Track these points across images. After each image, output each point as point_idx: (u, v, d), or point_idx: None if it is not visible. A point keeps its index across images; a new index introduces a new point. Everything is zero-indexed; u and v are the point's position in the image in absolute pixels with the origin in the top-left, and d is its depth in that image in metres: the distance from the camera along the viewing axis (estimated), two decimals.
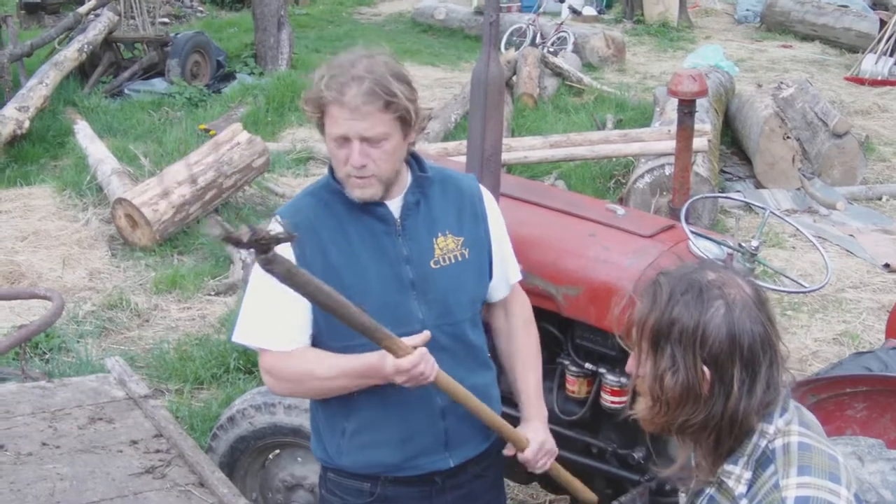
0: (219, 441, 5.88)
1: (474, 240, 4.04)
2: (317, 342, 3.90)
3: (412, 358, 3.61)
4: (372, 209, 3.85)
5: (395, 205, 3.89)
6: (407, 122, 3.77)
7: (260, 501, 5.92)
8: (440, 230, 3.96)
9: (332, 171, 3.90)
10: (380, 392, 3.85)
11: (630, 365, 2.93)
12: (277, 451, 5.81)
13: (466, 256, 4.00)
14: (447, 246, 3.96)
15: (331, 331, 3.84)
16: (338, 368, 3.78)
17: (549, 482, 5.78)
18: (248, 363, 7.99)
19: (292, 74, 17.36)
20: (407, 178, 3.94)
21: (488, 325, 4.41)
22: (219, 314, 9.14)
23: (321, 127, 3.79)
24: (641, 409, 2.89)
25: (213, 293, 9.68)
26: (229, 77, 18.27)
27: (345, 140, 3.70)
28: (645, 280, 3.01)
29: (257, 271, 3.87)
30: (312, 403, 4.14)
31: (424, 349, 3.66)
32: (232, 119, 14.66)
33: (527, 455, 4.19)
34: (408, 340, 3.64)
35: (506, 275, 4.26)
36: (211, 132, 13.48)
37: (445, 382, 3.78)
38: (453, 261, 3.96)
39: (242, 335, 3.94)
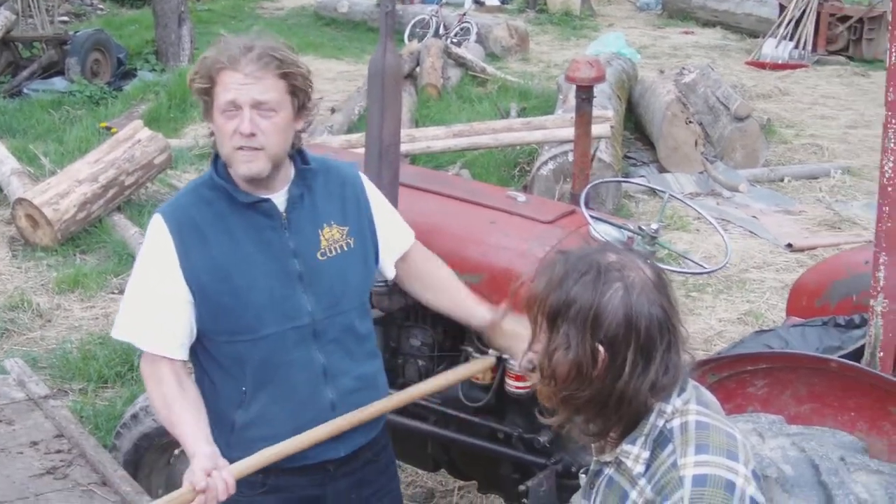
0: (123, 439, 5.81)
1: (359, 228, 4.03)
2: (203, 337, 3.86)
3: (203, 477, 3.51)
4: (256, 205, 3.81)
5: (279, 198, 3.86)
6: (298, 96, 3.76)
7: None
8: (325, 221, 3.94)
9: (215, 164, 3.85)
10: (270, 387, 3.84)
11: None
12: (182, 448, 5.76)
13: (352, 245, 3.99)
14: (333, 237, 3.93)
15: (216, 326, 3.82)
16: (176, 426, 3.74)
17: (456, 469, 5.79)
18: None
19: None
20: (290, 171, 3.91)
21: (407, 292, 4.46)
22: None
23: (207, 104, 3.73)
24: (535, 381, 2.89)
25: (116, 292, 9.55)
26: (130, 74, 18.13)
27: (234, 108, 3.65)
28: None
29: (140, 262, 3.86)
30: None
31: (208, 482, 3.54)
32: (134, 116, 14.50)
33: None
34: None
35: (401, 243, 4.30)
36: (113, 130, 13.33)
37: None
38: (339, 251, 3.94)
39: (123, 330, 3.89)
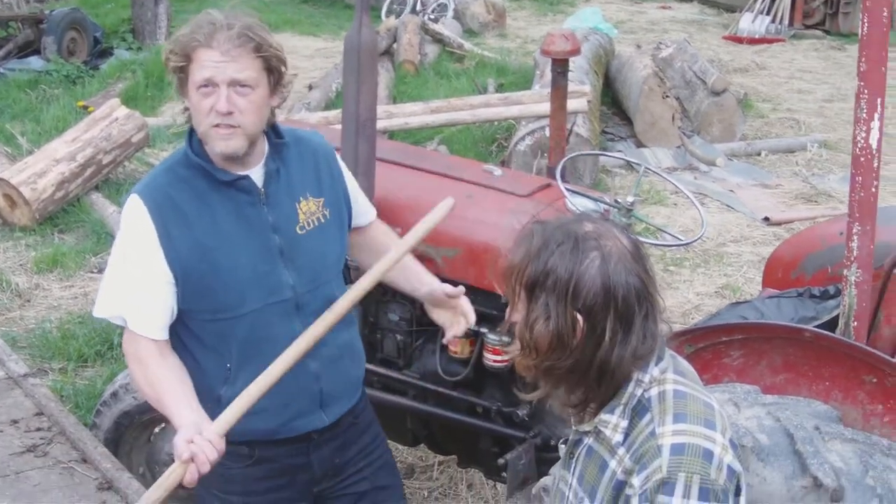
0: (103, 417, 5.83)
1: (334, 199, 4.05)
2: (186, 316, 3.86)
3: (186, 446, 3.50)
4: (235, 182, 3.81)
5: (256, 174, 3.86)
6: (273, 73, 3.75)
7: (148, 476, 5.86)
8: (301, 194, 3.95)
9: (189, 141, 3.84)
10: (255, 362, 3.82)
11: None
12: (163, 424, 5.76)
13: (328, 217, 4.01)
14: (309, 209, 3.95)
15: (199, 305, 3.82)
16: (162, 401, 3.72)
17: (435, 443, 5.81)
18: None
19: None
20: (265, 146, 3.91)
21: (357, 263, 4.50)
22: None
23: (182, 81, 3.71)
24: (514, 352, 2.91)
25: (95, 270, 9.52)
26: (107, 53, 18.02)
27: (211, 86, 3.64)
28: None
29: (119, 242, 3.85)
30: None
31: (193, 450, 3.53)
32: (111, 95, 14.41)
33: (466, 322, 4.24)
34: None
35: (366, 217, 4.34)
36: (90, 109, 13.25)
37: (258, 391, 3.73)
38: (317, 224, 3.96)
39: (105, 308, 3.87)
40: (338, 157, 4.22)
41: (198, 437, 3.49)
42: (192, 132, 3.83)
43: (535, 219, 2.98)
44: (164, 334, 3.82)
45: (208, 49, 3.62)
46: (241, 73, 3.64)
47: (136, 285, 3.77)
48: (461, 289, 4.20)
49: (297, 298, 3.90)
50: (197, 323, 3.87)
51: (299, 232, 3.91)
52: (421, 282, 4.34)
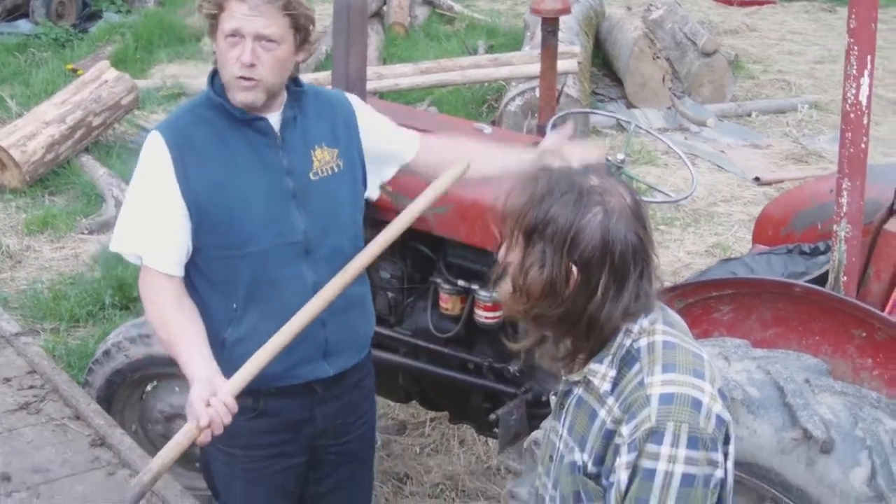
0: (95, 376, 5.84)
1: (348, 151, 4.08)
2: (196, 253, 3.89)
3: (203, 410, 3.54)
4: (253, 122, 3.87)
5: (274, 118, 3.91)
6: (300, 31, 3.81)
7: (140, 433, 5.89)
8: (316, 143, 3.99)
9: (212, 82, 3.90)
10: (261, 303, 3.89)
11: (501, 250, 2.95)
12: (155, 382, 5.79)
13: (342, 167, 4.04)
14: (324, 158, 3.99)
15: (211, 240, 3.86)
16: (174, 347, 3.77)
17: (427, 400, 5.84)
18: (123, 299, 7.95)
19: (160, 11, 17.10)
20: (283, 95, 3.95)
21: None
22: (92, 252, 9.02)
23: (213, 27, 3.78)
24: (503, 292, 2.92)
25: (85, 232, 9.54)
26: (96, 16, 17.92)
27: (238, 37, 3.70)
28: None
29: (137, 178, 3.89)
30: None
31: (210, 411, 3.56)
32: (100, 58, 14.31)
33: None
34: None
35: (403, 151, 4.30)
36: (79, 72, 13.21)
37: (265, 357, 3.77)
38: (330, 172, 4.00)
39: (121, 243, 3.92)
40: (363, 112, 4.21)
41: (214, 400, 3.53)
42: (214, 74, 3.90)
43: (541, 165, 2.98)
44: (179, 270, 3.88)
45: (239, 2, 3.69)
46: (267, 29, 3.70)
47: (152, 220, 3.82)
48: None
49: (307, 243, 3.94)
50: (206, 260, 3.91)
51: (312, 178, 3.95)
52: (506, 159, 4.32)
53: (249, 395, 3.90)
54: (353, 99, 4.24)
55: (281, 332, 3.73)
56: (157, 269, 3.83)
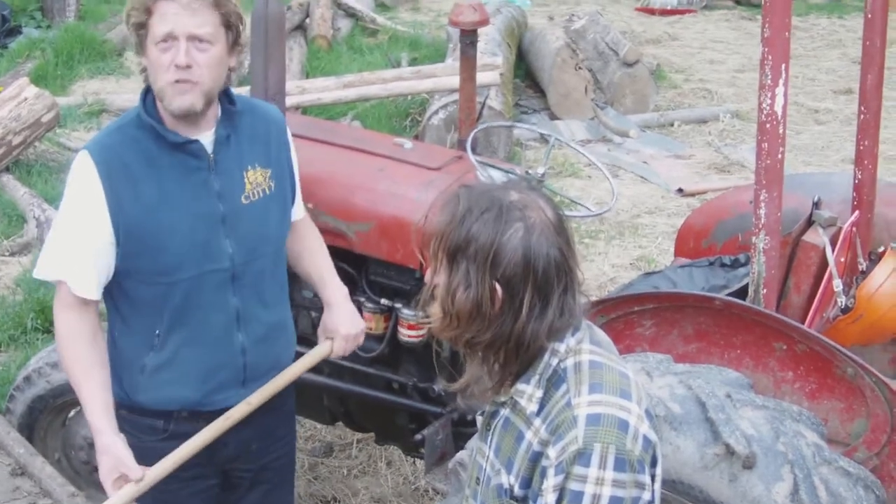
0: (16, 402, 5.77)
1: (280, 170, 4.08)
2: (123, 277, 3.87)
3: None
4: (184, 146, 3.83)
5: (206, 139, 3.88)
6: (232, 30, 3.80)
7: (63, 461, 5.82)
8: (249, 164, 3.97)
9: (143, 101, 3.86)
10: (185, 330, 3.87)
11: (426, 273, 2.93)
12: (77, 408, 5.69)
13: (273, 189, 4.03)
14: (256, 179, 3.98)
15: (138, 266, 3.84)
16: (79, 386, 3.81)
17: (353, 421, 5.80)
18: (46, 322, 7.80)
19: (81, 26, 16.88)
20: (217, 111, 3.93)
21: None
22: (14, 275, 8.86)
23: (142, 38, 3.74)
24: (434, 317, 2.89)
25: (7, 253, 9.37)
26: (15, 32, 17.73)
27: (171, 41, 3.67)
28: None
29: (66, 200, 3.85)
30: (110, 339, 4.05)
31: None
32: (20, 75, 14.17)
33: (337, 352, 4.32)
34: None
35: (298, 204, 4.33)
36: None
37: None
38: (261, 195, 3.99)
39: (45, 269, 3.89)
40: (289, 136, 4.24)
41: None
42: (146, 93, 3.86)
43: (460, 183, 2.97)
44: (98, 294, 3.85)
45: (169, 2, 3.66)
46: (201, 28, 3.69)
47: (77, 244, 3.79)
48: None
49: (234, 269, 3.92)
50: (133, 284, 3.88)
51: (244, 202, 3.94)
52: (317, 287, 4.45)
53: (161, 417, 3.88)
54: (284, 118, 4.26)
55: (193, 438, 3.86)
56: (76, 294, 3.80)
